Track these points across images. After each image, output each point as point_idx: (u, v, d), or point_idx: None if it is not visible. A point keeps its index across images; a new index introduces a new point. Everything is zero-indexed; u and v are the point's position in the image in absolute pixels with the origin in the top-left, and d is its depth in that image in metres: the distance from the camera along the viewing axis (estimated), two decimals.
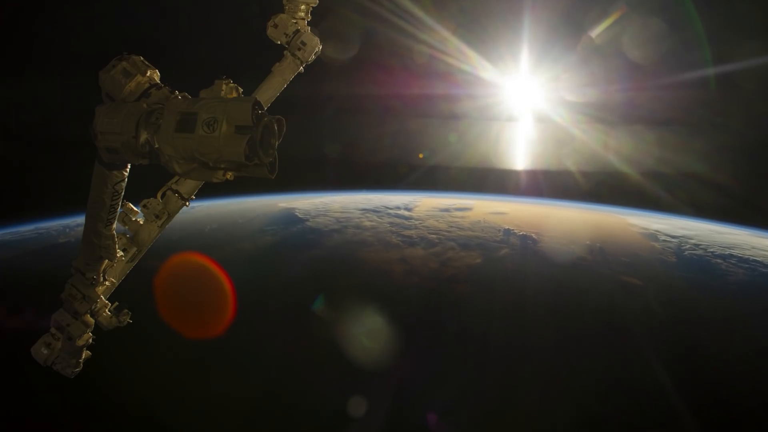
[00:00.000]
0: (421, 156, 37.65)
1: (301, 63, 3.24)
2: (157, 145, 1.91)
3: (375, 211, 34.21)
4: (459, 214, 34.19)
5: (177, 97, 2.18)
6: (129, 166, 2.33)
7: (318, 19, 3.26)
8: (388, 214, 33.45)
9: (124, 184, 2.39)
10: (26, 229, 30.11)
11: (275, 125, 1.94)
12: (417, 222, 31.63)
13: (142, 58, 2.32)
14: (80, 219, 2.58)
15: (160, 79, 2.38)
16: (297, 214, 33.51)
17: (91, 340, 2.94)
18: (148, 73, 2.30)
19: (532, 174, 39.31)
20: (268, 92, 3.15)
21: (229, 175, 1.99)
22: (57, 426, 13.25)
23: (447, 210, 35.23)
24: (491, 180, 41.54)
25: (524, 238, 28.51)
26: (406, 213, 33.95)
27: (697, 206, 35.06)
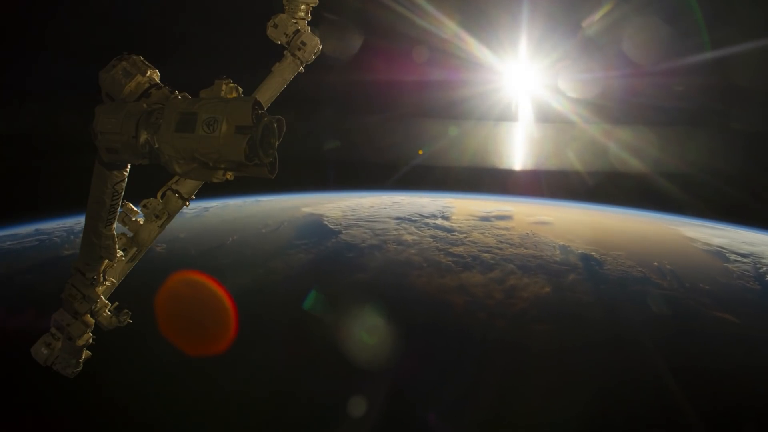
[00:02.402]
0: (420, 152, 37.09)
1: (301, 63, 3.28)
2: (157, 145, 1.94)
3: (411, 220, 32.32)
4: (501, 224, 32.29)
5: (177, 97, 2.21)
6: (129, 166, 2.35)
7: (319, 9, 3.26)
8: (427, 224, 31.49)
9: (124, 184, 2.43)
10: (26, 230, 28.84)
11: (275, 125, 1.95)
12: (462, 236, 29.50)
13: (142, 58, 2.36)
14: (81, 220, 2.57)
15: (160, 79, 2.38)
16: (326, 223, 31.27)
17: (91, 340, 2.95)
18: (148, 73, 2.34)
19: (552, 175, 38.73)
20: (268, 92, 3.20)
21: (229, 175, 2.02)
22: (57, 426, 13.22)
23: (487, 219, 33.37)
24: (509, 180, 40.72)
25: (586, 258, 26.43)
26: (446, 223, 31.95)
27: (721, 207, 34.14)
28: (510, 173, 41.11)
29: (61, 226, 29.66)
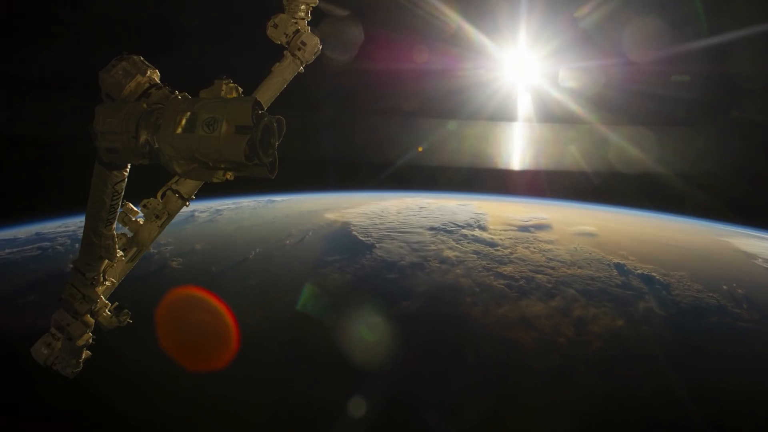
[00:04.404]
0: (420, 149, 36.79)
1: (301, 63, 3.32)
2: (157, 145, 1.97)
3: (446, 230, 30.68)
4: (544, 236, 30.71)
5: (177, 97, 2.23)
6: (129, 166, 2.37)
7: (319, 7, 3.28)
8: (465, 237, 29.76)
9: (124, 184, 2.48)
10: (25, 232, 27.91)
11: (275, 125, 1.96)
12: (507, 251, 27.72)
13: (141, 58, 2.39)
14: (82, 221, 2.60)
15: (160, 79, 2.40)
16: (355, 234, 29.33)
17: (91, 340, 2.97)
18: (148, 73, 2.40)
19: (569, 176, 38.37)
20: (268, 92, 3.26)
21: (229, 175, 2.07)
22: (57, 426, 13.23)
23: (526, 229, 31.82)
24: (527, 180, 40.27)
25: (648, 280, 24.66)
26: (485, 235, 30.21)
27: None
28: (527, 173, 40.71)
29: (63, 229, 28.87)
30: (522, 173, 40.80)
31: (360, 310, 19.91)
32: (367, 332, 18.13)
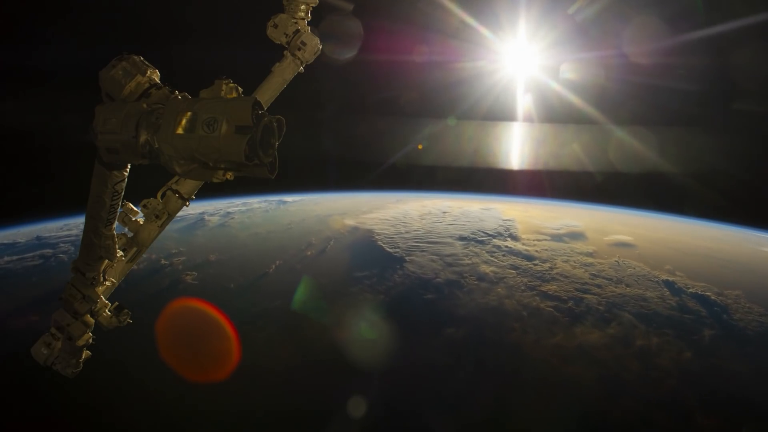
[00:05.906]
0: (420, 147, 36.80)
1: (301, 63, 3.35)
2: (157, 146, 1.98)
3: (477, 240, 28.82)
4: (580, 247, 28.85)
5: (177, 97, 2.24)
6: (129, 166, 2.38)
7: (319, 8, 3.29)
8: (499, 248, 27.81)
9: (124, 184, 2.51)
10: (25, 233, 27.20)
11: (275, 125, 1.97)
12: (546, 266, 25.76)
13: (141, 58, 2.40)
14: (82, 221, 2.61)
15: (160, 79, 2.42)
16: (381, 244, 27.31)
17: (91, 340, 2.98)
18: (148, 73, 2.44)
19: (582, 176, 38.16)
20: (268, 92, 3.32)
21: (229, 175, 2.11)
22: (57, 426, 13.23)
23: (560, 238, 29.97)
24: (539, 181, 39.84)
25: (705, 302, 22.84)
26: (520, 247, 28.36)
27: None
28: (542, 174, 40.44)
29: (65, 232, 28.05)
30: (537, 174, 40.61)
31: (401, 343, 18.32)
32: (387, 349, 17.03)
